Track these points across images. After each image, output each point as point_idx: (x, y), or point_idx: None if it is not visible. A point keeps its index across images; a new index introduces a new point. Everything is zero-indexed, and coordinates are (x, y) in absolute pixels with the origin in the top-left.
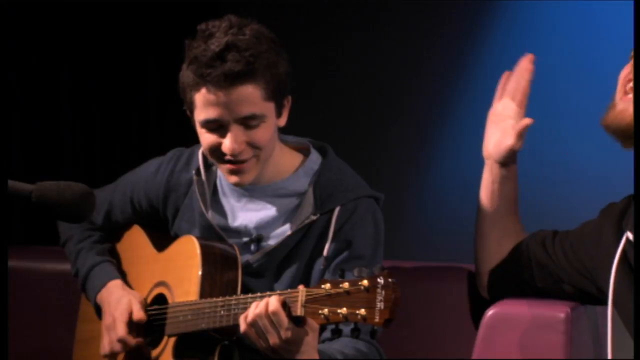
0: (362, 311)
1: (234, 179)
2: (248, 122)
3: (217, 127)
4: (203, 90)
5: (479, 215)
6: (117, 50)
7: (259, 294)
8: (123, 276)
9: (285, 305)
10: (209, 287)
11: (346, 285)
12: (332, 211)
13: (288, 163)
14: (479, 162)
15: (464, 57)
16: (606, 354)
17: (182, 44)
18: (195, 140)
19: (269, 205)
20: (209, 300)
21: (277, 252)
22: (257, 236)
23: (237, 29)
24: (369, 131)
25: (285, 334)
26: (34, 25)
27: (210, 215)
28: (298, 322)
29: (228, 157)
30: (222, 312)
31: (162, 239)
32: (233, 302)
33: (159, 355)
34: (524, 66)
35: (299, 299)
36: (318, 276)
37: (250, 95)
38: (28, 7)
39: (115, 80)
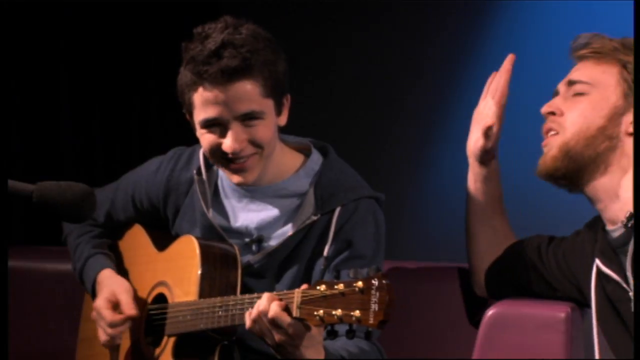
0: (357, 313)
1: (237, 178)
2: (248, 119)
3: (217, 126)
4: (200, 89)
5: (467, 215)
6: (117, 50)
7: (256, 295)
8: (124, 275)
9: (286, 308)
10: (208, 287)
11: (341, 286)
12: (332, 211)
13: (289, 163)
14: None
15: (464, 57)
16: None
17: (181, 44)
18: (195, 140)
19: (270, 206)
20: (207, 300)
21: (278, 252)
22: (258, 237)
23: (233, 29)
24: (369, 131)
25: (289, 330)
26: (34, 25)
27: (211, 215)
28: (300, 318)
29: (230, 157)
30: (220, 312)
31: (163, 238)
32: (231, 302)
33: (159, 355)
34: (505, 66)
35: (295, 300)
36: (318, 276)
37: (249, 92)
38: (28, 7)
39: (116, 81)
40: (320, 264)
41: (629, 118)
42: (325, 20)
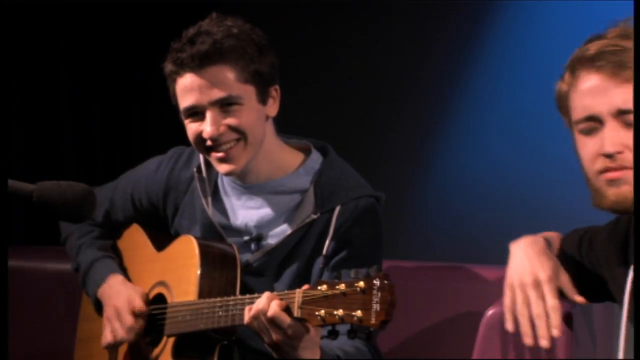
0: (358, 313)
1: (223, 167)
2: (225, 104)
3: (197, 114)
4: (179, 78)
5: None
6: (117, 50)
7: (256, 295)
8: (124, 275)
9: (287, 308)
10: (207, 287)
11: (342, 286)
12: (332, 210)
13: (288, 161)
14: (479, 162)
15: (464, 57)
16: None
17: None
18: None
19: (269, 203)
20: (207, 300)
21: (277, 251)
22: (257, 235)
23: (216, 21)
24: (369, 131)
25: (288, 330)
26: (34, 25)
27: (211, 212)
28: (300, 318)
29: (209, 143)
30: (220, 312)
31: (161, 237)
32: (231, 302)
33: (159, 355)
34: None
35: (296, 300)
36: (318, 275)
37: (223, 77)
38: (28, 7)
39: (116, 81)
40: (319, 263)
41: None
42: (325, 21)
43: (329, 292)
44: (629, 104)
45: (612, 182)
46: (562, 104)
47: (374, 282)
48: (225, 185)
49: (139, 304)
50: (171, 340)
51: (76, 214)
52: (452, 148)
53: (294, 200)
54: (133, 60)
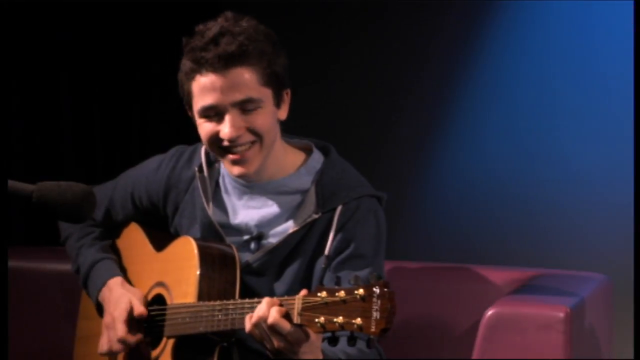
0: (358, 320)
1: (237, 169)
2: (245, 106)
3: (215, 114)
4: (198, 77)
5: None
6: (117, 50)
7: (256, 300)
8: (123, 276)
9: (286, 314)
10: (207, 288)
11: (342, 293)
12: (334, 210)
13: (290, 161)
14: (479, 162)
15: (464, 57)
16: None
17: (182, 44)
18: (196, 140)
19: (270, 202)
20: (206, 303)
21: (278, 250)
22: (257, 234)
23: (233, 21)
24: (369, 131)
25: (288, 337)
26: (34, 25)
27: (211, 211)
28: (300, 325)
29: (226, 144)
30: (219, 316)
31: (160, 237)
32: (231, 306)
33: (159, 355)
34: None
35: (295, 307)
36: (319, 275)
37: (246, 79)
38: (28, 7)
39: (116, 81)
40: (321, 263)
41: None
42: (325, 21)
43: (329, 299)
44: None
45: None
46: None
47: (374, 289)
48: (227, 184)
49: (137, 309)
50: (171, 341)
51: (76, 215)
52: (452, 148)
53: (296, 199)
54: (133, 60)
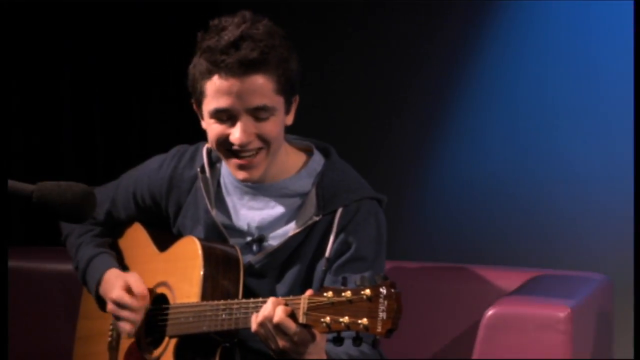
0: (364, 320)
1: (242, 174)
2: (258, 113)
3: (227, 117)
4: (215, 78)
5: None
6: (117, 50)
7: (260, 299)
8: None
9: (292, 314)
10: (210, 288)
11: (348, 294)
12: (334, 212)
13: (292, 162)
14: (479, 162)
15: (464, 57)
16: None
17: (182, 43)
18: (197, 139)
19: (271, 204)
20: (210, 303)
21: (279, 252)
22: (259, 236)
23: (250, 23)
24: (369, 131)
25: (294, 337)
26: (34, 24)
27: (214, 213)
28: (306, 325)
29: (235, 148)
30: (223, 315)
31: (163, 237)
32: (235, 306)
33: (160, 355)
34: None
35: (301, 306)
36: (320, 277)
37: (263, 86)
38: (29, 7)
39: (116, 80)
40: (321, 265)
41: None
42: (325, 21)
43: (335, 299)
44: None
45: None
46: None
47: (381, 290)
48: (228, 184)
49: (137, 289)
50: (173, 341)
51: (76, 215)
52: (452, 148)
53: (296, 202)
54: (133, 60)
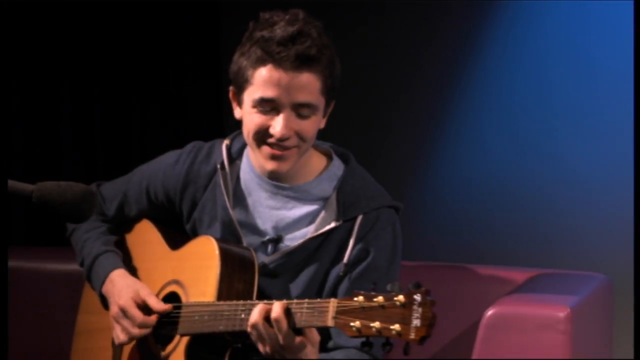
0: (397, 327)
1: (272, 164)
2: (302, 110)
3: (271, 108)
4: (269, 67)
5: None
6: (117, 50)
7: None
8: (133, 272)
9: (289, 313)
10: (226, 289)
11: (380, 299)
12: (354, 219)
13: (314, 165)
14: (479, 162)
15: (464, 57)
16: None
17: (182, 43)
18: (196, 140)
19: (290, 205)
20: (228, 302)
21: (296, 253)
22: (276, 237)
23: (303, 23)
24: (369, 131)
25: (284, 341)
26: (34, 25)
27: (232, 210)
28: (298, 331)
29: (271, 141)
30: (243, 315)
31: (174, 235)
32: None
33: (170, 353)
34: None
35: (330, 309)
36: (333, 282)
37: (311, 84)
38: (28, 7)
39: (116, 81)
40: (337, 270)
41: None
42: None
43: (366, 304)
44: None
45: None
46: None
47: (415, 297)
48: (248, 181)
49: (155, 304)
50: (185, 339)
51: (76, 215)
52: (452, 148)
53: (316, 205)
54: (133, 60)
